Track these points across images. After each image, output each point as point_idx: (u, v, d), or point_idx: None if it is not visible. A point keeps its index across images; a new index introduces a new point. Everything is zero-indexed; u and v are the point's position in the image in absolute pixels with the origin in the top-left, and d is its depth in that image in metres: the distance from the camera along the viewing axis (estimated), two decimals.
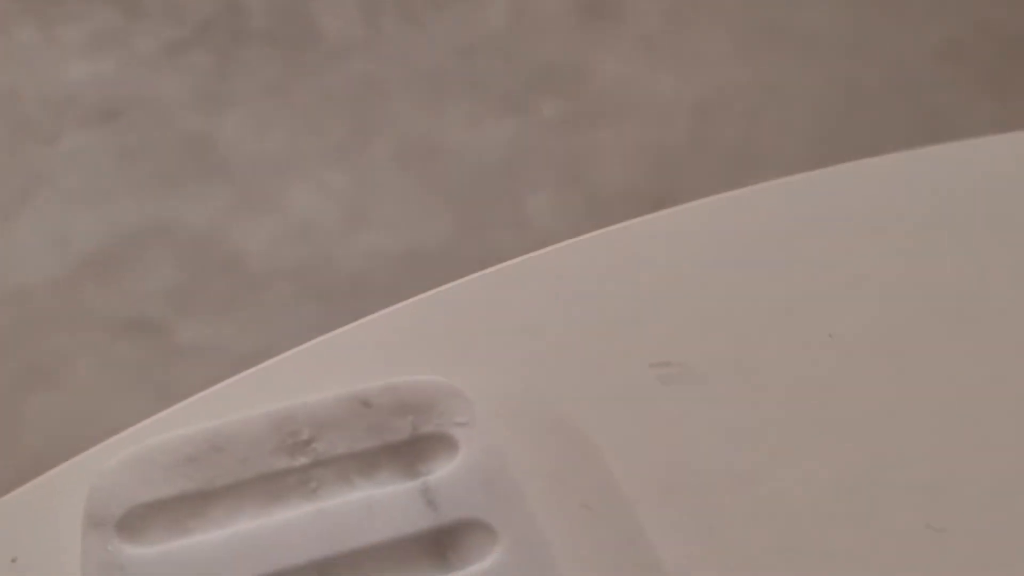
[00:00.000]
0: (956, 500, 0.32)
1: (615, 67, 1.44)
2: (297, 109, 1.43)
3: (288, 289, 1.24)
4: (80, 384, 1.16)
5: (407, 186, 1.34)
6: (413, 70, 1.46)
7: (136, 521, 0.29)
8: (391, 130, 1.40)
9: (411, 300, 0.36)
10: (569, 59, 1.46)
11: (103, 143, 1.42)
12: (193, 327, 1.21)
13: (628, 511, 0.31)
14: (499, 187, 1.34)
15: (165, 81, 1.46)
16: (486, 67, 1.45)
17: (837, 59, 1.43)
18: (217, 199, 1.34)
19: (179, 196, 1.35)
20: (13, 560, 0.31)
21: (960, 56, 1.41)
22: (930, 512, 0.31)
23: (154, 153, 1.41)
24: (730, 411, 0.34)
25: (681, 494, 0.32)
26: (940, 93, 1.37)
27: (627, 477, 0.32)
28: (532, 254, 0.37)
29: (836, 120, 1.37)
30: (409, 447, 0.30)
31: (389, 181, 1.34)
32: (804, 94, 1.39)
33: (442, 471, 0.30)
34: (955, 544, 0.31)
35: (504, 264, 0.36)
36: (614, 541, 0.31)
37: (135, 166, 1.39)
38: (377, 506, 0.29)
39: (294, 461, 0.30)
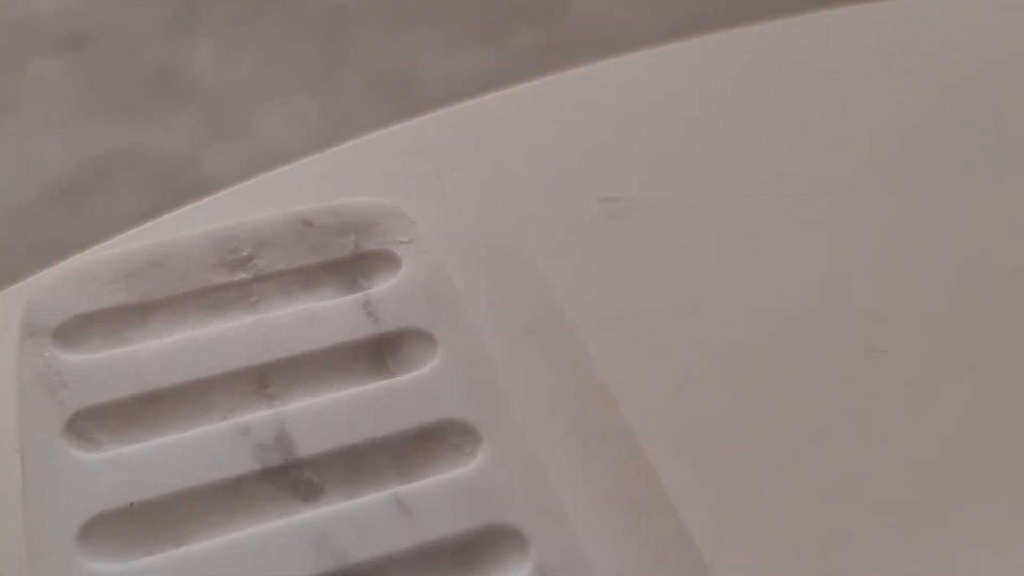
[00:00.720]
0: (896, 324, 0.32)
1: None
2: (267, 39, 1.41)
3: None
4: None
5: (379, 115, 1.33)
6: None
7: (73, 331, 0.28)
8: (363, 60, 1.39)
9: (358, 139, 0.36)
10: None
11: (70, 72, 1.40)
12: None
13: (572, 336, 0.31)
14: None
15: (133, 10, 1.44)
16: None
17: None
18: (186, 128, 1.33)
19: (147, 124, 1.33)
20: None
21: None
22: (872, 336, 0.32)
23: (122, 82, 1.39)
24: (677, 245, 0.34)
25: (625, 322, 0.32)
26: None
27: (572, 305, 0.32)
28: (483, 96, 0.36)
29: None
30: (351, 264, 0.30)
31: (361, 110, 1.33)
32: None
33: (384, 285, 0.29)
34: (895, 364, 0.31)
35: (456, 105, 0.36)
36: (557, 363, 0.31)
37: (103, 95, 1.37)
38: (317, 317, 0.29)
39: (234, 276, 0.29)
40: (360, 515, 0.25)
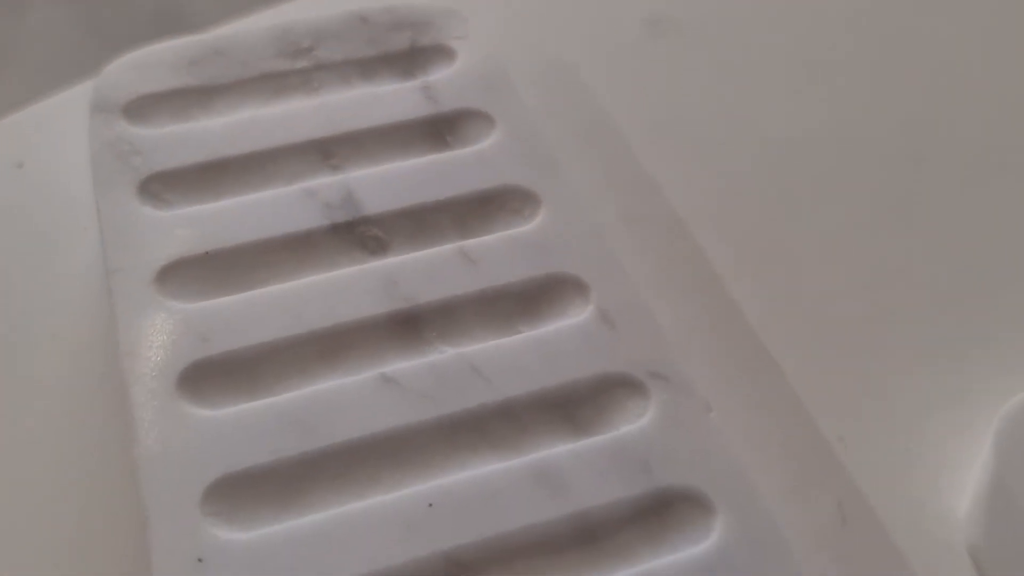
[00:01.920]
0: (936, 133, 0.33)
1: None
2: None
3: None
4: None
5: None
6: None
7: (140, 108, 0.29)
8: None
9: None
10: None
11: (72, 16, 1.40)
12: None
13: (620, 138, 0.32)
14: None
15: None
16: None
17: None
18: None
19: None
20: (19, 166, 0.31)
21: None
22: (913, 145, 0.33)
23: (123, 27, 1.39)
24: (717, 59, 0.35)
25: (670, 127, 0.33)
26: None
27: (618, 112, 0.33)
28: None
29: None
30: (407, 57, 0.31)
31: None
32: None
33: (441, 73, 0.30)
34: (935, 169, 0.32)
35: None
36: (606, 160, 0.32)
37: (104, 39, 1.37)
38: (377, 99, 0.29)
39: (295, 64, 0.30)
40: (427, 264, 0.26)
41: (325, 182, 0.28)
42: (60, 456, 0.26)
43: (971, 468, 0.26)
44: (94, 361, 0.28)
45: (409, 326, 0.25)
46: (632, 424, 0.24)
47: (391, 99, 0.30)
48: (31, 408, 0.27)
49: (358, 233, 0.27)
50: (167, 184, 0.28)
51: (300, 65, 0.30)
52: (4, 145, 0.32)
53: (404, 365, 0.24)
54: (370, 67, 0.30)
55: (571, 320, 0.25)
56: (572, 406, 0.24)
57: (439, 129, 0.29)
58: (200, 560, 0.21)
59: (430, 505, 0.22)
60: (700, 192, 0.31)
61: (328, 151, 0.28)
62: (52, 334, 0.28)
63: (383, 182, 0.28)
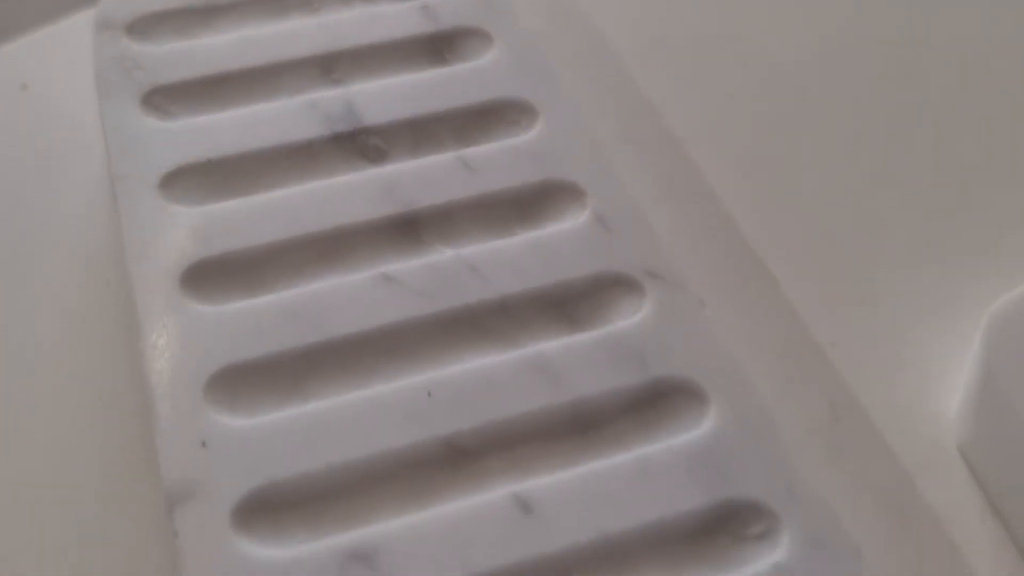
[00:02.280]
0: (925, 47, 0.33)
1: None
2: None
3: None
4: None
5: None
6: None
7: (144, 26, 0.30)
8: None
9: None
10: None
11: None
12: None
13: (618, 62, 0.33)
14: None
15: None
16: None
17: None
18: None
19: None
20: (24, 87, 0.32)
21: None
22: (902, 58, 0.33)
23: None
24: None
25: (668, 49, 0.33)
26: None
27: (617, 36, 0.33)
28: None
29: None
30: None
31: None
32: None
33: None
34: (928, 83, 0.33)
35: None
36: (603, 83, 0.32)
37: None
38: (377, 17, 0.30)
39: None
40: (426, 171, 0.27)
41: (326, 95, 0.28)
42: (71, 352, 0.27)
43: (961, 370, 0.26)
44: (102, 264, 0.28)
45: (408, 229, 0.26)
46: (627, 320, 0.24)
47: (391, 18, 0.30)
48: (43, 309, 0.27)
49: (359, 142, 0.27)
50: (170, 96, 0.28)
51: None
52: (8, 69, 0.32)
53: (403, 265, 0.25)
54: None
55: (568, 223, 0.26)
56: (569, 304, 0.25)
57: (438, 47, 0.30)
58: (204, 444, 0.22)
59: (429, 394, 0.23)
60: (696, 111, 0.31)
61: (329, 66, 0.29)
62: (59, 240, 0.29)
63: (383, 95, 0.28)
